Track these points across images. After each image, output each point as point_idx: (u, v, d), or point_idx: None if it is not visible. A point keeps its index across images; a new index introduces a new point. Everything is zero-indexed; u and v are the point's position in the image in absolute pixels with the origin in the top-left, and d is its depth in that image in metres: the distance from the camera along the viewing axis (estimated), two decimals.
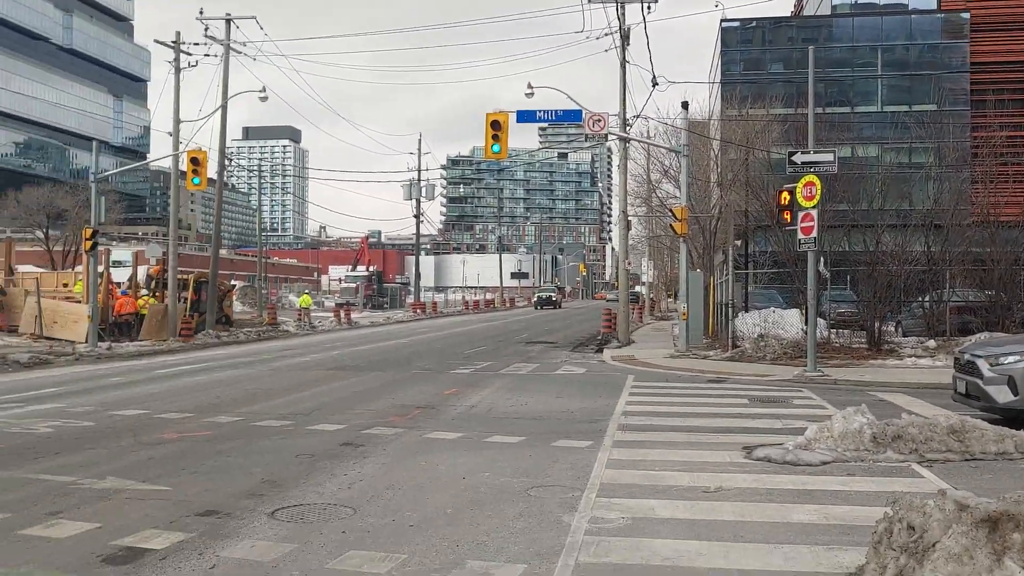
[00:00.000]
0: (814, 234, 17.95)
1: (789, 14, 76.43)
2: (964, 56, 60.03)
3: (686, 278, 25.40)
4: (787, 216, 18.99)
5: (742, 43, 64.43)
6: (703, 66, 79.14)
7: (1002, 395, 11.23)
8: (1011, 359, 11.27)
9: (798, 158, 18.48)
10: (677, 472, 8.95)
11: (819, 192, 17.90)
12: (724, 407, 13.95)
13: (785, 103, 42.44)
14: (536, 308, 72.63)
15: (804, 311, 23.26)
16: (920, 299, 23.65)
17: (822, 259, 20.94)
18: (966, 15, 60.30)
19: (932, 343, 21.43)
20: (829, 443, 9.94)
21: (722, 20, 62.46)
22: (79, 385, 17.38)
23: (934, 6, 61.84)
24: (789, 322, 25.19)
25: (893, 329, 24.72)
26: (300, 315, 43.98)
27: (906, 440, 9.87)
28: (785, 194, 19.10)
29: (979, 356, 11.70)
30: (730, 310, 23.96)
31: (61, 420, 12.36)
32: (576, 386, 17.14)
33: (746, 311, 26.20)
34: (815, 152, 18.48)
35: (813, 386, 16.87)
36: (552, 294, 79.30)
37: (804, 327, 22.92)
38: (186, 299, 32.22)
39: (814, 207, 17.94)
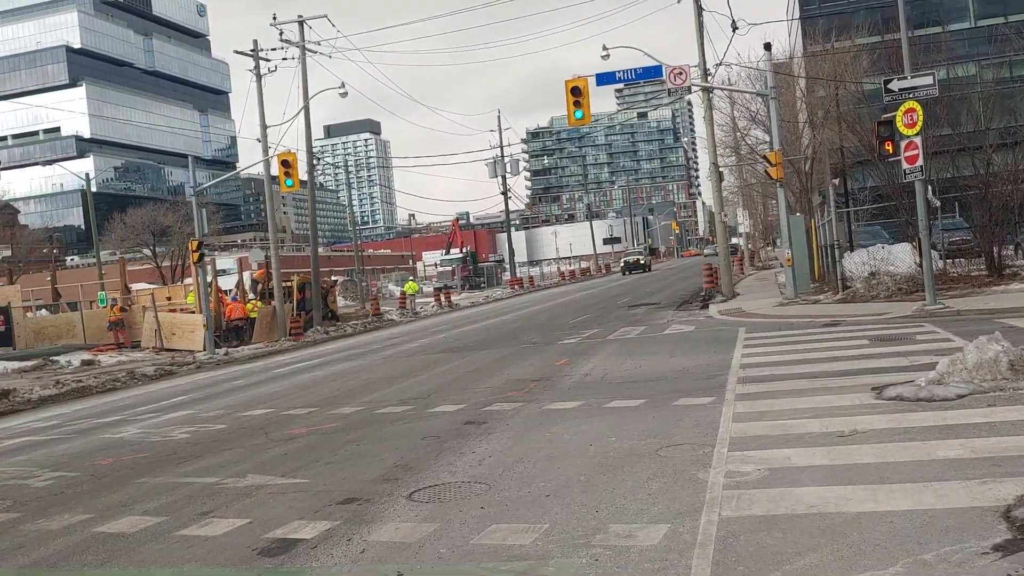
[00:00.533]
0: (920, 162, 17.24)
1: None
2: None
3: (787, 223, 24.77)
4: (889, 147, 18.27)
5: None
6: (780, 3, 76.74)
7: None
8: None
9: (895, 85, 17.72)
10: (807, 420, 8.75)
11: (920, 118, 17.16)
12: (844, 350, 13.57)
13: (871, 31, 40.78)
14: (624, 274, 66.76)
15: (916, 244, 22.46)
16: None
17: (929, 188, 20.09)
18: None
19: None
20: (963, 375, 9.57)
21: None
22: (205, 391, 18.06)
23: None
24: (898, 257, 24.32)
25: (1012, 252, 23.64)
26: (402, 302, 44.71)
27: None
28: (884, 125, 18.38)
29: None
30: (836, 251, 23.23)
31: (195, 425, 12.87)
32: (688, 344, 16.94)
33: (851, 250, 25.41)
34: (913, 77, 17.69)
35: (935, 319, 16.27)
36: (640, 256, 72.47)
37: (917, 260, 22.17)
38: (291, 299, 33.10)
39: (917, 134, 17.22)
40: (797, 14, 59.01)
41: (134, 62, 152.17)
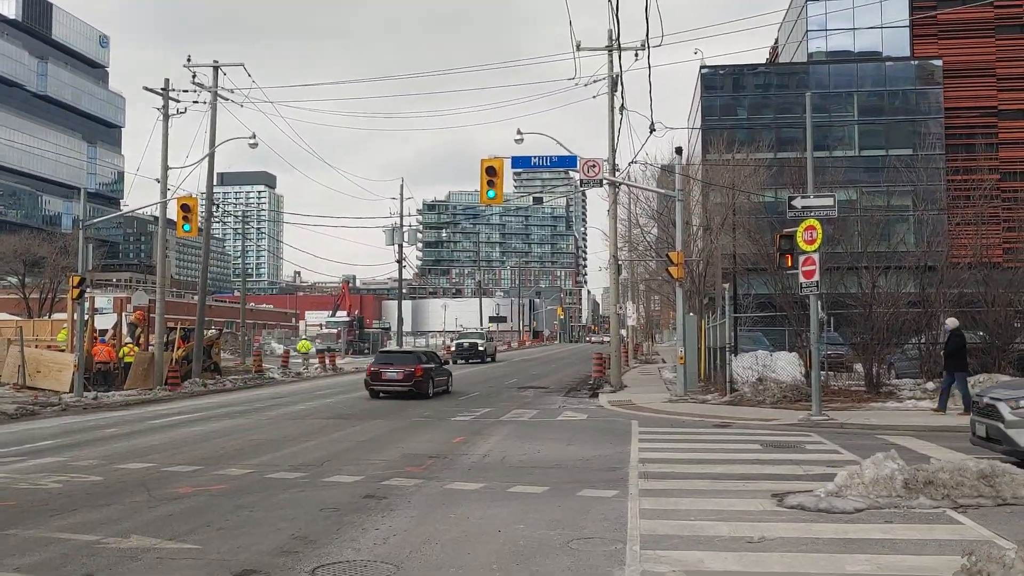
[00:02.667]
0: (816, 278, 18.03)
1: (765, 61, 77.80)
2: (939, 101, 61.31)
3: (683, 322, 25.37)
4: (788, 260, 19.06)
5: (720, 89, 65.43)
6: (684, 110, 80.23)
7: None
8: None
9: (798, 202, 18.61)
10: (714, 522, 8.81)
11: (820, 236, 18.02)
12: (739, 453, 13.84)
13: (768, 147, 43.01)
14: (454, 363, 46.75)
15: (802, 354, 23.34)
16: (914, 341, 23.76)
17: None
18: (938, 62, 61.70)
19: (931, 385, 21.48)
20: (861, 489, 9.85)
21: (701, 67, 63.49)
22: (74, 437, 16.96)
23: (907, 53, 63.22)
24: (781, 366, 25.20)
25: (886, 371, 24.79)
26: (284, 361, 43.52)
27: (937, 486, 9.81)
28: (784, 238, 19.20)
29: (999, 399, 11.69)
30: (728, 353, 23.90)
31: (67, 475, 12.01)
32: (583, 432, 16.97)
33: (735, 354, 26.22)
34: (815, 197, 18.62)
35: (821, 430, 16.81)
36: (479, 341, 54.04)
37: (802, 371, 23.01)
38: (171, 346, 31.76)
39: (815, 251, 18.04)
40: (699, 123, 61.87)
41: (25, 84, 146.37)
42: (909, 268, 24.44)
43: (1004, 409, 11.48)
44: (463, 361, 50.97)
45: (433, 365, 27.19)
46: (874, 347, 21.92)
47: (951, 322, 19.50)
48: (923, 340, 23.43)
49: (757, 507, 9.56)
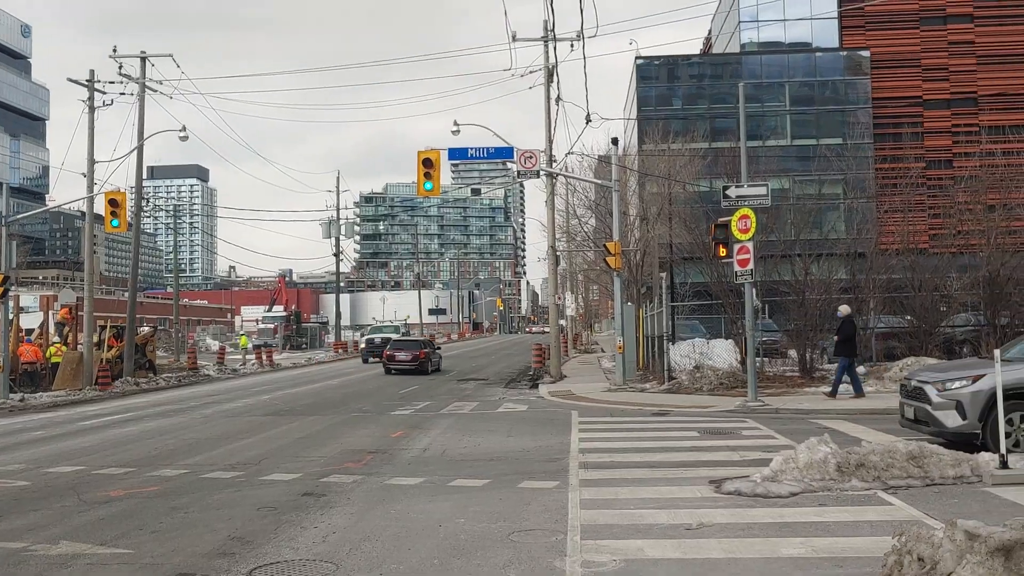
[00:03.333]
0: (751, 266, 18.30)
1: (699, 52, 78.68)
2: (867, 92, 62.72)
3: (621, 312, 25.56)
4: (722, 250, 19.31)
5: (656, 80, 66.02)
6: (619, 101, 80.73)
7: (951, 420, 11.52)
8: (957, 384, 11.59)
9: (732, 192, 18.85)
10: (653, 510, 8.88)
11: (754, 225, 18.29)
12: (677, 440, 14.00)
13: (703, 137, 43.56)
14: (364, 361, 43.96)
15: (738, 342, 23.71)
16: None
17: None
18: (866, 53, 63.05)
19: (862, 369, 21.95)
20: (795, 474, 10.03)
21: (636, 58, 63.92)
22: None
23: (836, 44, 64.51)
24: (717, 353, 25.60)
25: (819, 356, 25.31)
26: (220, 357, 42.81)
27: (868, 468, 10.03)
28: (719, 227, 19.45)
29: (926, 382, 12.01)
30: (666, 342, 24.16)
31: None
32: (523, 424, 16.99)
33: (672, 343, 26.54)
34: (749, 186, 18.88)
35: (756, 416, 17.09)
36: (394, 336, 43.75)
37: (738, 358, 23.38)
38: (102, 345, 30.97)
39: (750, 240, 18.31)
40: (634, 113, 62.32)
41: None
42: (840, 255, 24.98)
43: (931, 392, 11.79)
44: (376, 360, 41.10)
45: (429, 350, 35.65)
46: (807, 333, 22.37)
47: (843, 309, 20.18)
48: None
49: (695, 494, 9.67)
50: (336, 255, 59.51)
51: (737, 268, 18.58)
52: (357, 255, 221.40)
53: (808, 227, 27.31)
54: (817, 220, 32.05)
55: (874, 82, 62.69)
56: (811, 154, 49.76)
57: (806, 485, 9.74)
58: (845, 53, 64.17)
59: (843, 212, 36.45)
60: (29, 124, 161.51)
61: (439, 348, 40.33)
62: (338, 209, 58.91)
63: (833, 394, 19.01)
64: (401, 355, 33.95)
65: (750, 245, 18.29)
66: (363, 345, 47.02)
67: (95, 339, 30.60)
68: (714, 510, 8.86)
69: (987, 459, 10.09)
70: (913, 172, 29.55)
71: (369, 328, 57.84)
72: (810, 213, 27.08)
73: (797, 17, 65.11)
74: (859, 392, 19.04)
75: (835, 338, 19.99)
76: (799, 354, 23.06)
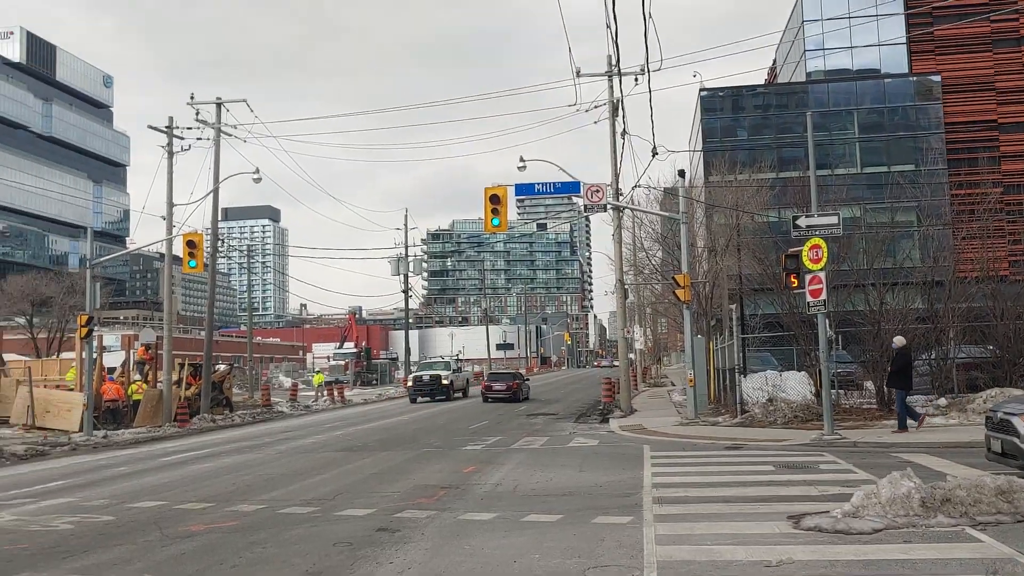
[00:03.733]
0: (823, 296, 17.98)
1: (764, 82, 78.14)
2: (939, 117, 61.47)
3: (691, 344, 25.30)
4: (794, 280, 19.02)
5: (720, 111, 65.73)
6: (684, 133, 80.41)
7: None
8: None
9: (802, 221, 18.59)
10: (731, 546, 8.73)
11: (826, 255, 17.99)
12: (752, 475, 13.75)
13: (770, 167, 43.15)
14: (411, 400, 41.58)
15: (812, 373, 23.24)
16: (924, 357, 23.64)
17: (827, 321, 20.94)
18: (937, 77, 61.92)
19: (943, 401, 21.37)
20: (877, 509, 9.76)
21: (701, 90, 63.81)
22: (85, 477, 16.92)
23: (905, 70, 63.47)
24: (790, 385, 25.09)
25: None
26: (293, 394, 43.49)
27: (955, 503, 9.71)
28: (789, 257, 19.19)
29: (1013, 414, 11.59)
30: (738, 374, 23.81)
31: (79, 515, 11.96)
32: (595, 459, 16.88)
33: (744, 375, 26.14)
34: (819, 215, 18.61)
35: (834, 449, 16.70)
36: (443, 373, 42.76)
37: (812, 390, 22.90)
38: (180, 383, 31.76)
39: (821, 269, 18.01)
40: (699, 145, 62.06)
41: (29, 125, 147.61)
42: (916, 284, 24.37)
43: (1019, 424, 11.38)
44: (426, 399, 41.01)
45: (520, 381, 40.63)
46: (884, 364, 21.79)
47: (898, 340, 19.74)
48: (933, 356, 23.32)
49: (773, 530, 9.48)
50: (405, 292, 60.21)
51: (809, 299, 18.26)
52: (425, 291, 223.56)
53: (881, 256, 26.72)
54: (890, 248, 31.36)
55: (946, 107, 61.46)
56: (882, 181, 48.95)
57: (889, 521, 9.46)
58: (915, 78, 63.11)
59: (918, 240, 35.58)
60: (111, 170, 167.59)
61: (528, 379, 45.79)
62: (406, 246, 59.68)
63: (901, 428, 18.53)
64: (497, 385, 39.39)
65: (822, 275, 17.99)
66: (410, 383, 42.90)
67: (174, 377, 31.40)
68: (794, 547, 8.66)
69: None
70: (991, 197, 28.78)
71: (417, 365, 53.28)
72: (883, 241, 26.51)
73: (864, 44, 64.33)
74: (902, 427, 18.60)
75: (889, 369, 19.57)
76: (876, 386, 22.49)
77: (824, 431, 18.05)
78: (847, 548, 8.54)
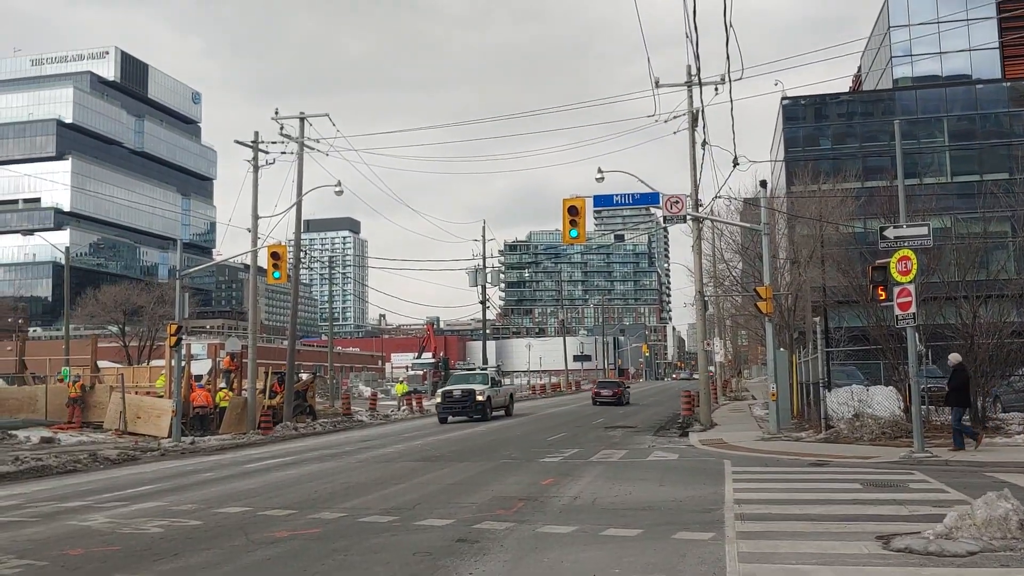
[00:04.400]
0: (912, 309, 17.45)
1: (848, 89, 76.44)
2: None
3: (773, 358, 24.82)
4: (882, 292, 18.51)
5: (803, 120, 64.53)
6: (765, 142, 79.16)
7: None
8: None
9: (890, 232, 18.09)
10: (816, 565, 8.50)
11: (915, 267, 17.47)
12: (837, 492, 13.38)
13: (855, 177, 42.15)
14: (441, 421, 35.16)
15: (900, 388, 22.55)
16: (1021, 372, 22.73)
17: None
18: None
19: None
20: (972, 531, 9.39)
21: (782, 98, 62.72)
22: (173, 482, 17.41)
23: (998, 75, 61.38)
24: (877, 400, 24.35)
25: (991, 405, 23.77)
26: (372, 403, 44.07)
27: None
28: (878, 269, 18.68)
29: None
30: (822, 389, 23.25)
31: (168, 519, 12.30)
32: (675, 473, 16.66)
33: (828, 390, 25.49)
34: (908, 226, 18.09)
35: (924, 468, 16.16)
36: (477, 387, 35.93)
37: (901, 406, 22.21)
38: (265, 391, 32.51)
39: (910, 282, 17.48)
40: (781, 154, 60.98)
41: (123, 141, 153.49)
42: (1012, 296, 23.47)
43: None
44: (460, 418, 34.98)
45: (623, 388, 50.18)
46: (978, 380, 21.03)
47: (953, 357, 19.25)
48: None
49: (861, 550, 9.19)
50: (482, 302, 60.56)
51: (898, 311, 17.74)
52: (502, 302, 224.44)
53: (974, 268, 25.80)
54: (983, 260, 30.26)
55: None
56: (974, 191, 47.23)
57: (985, 544, 9.09)
58: (1008, 84, 60.93)
59: (1013, 251, 34.30)
60: (198, 184, 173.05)
61: (630, 387, 55.45)
62: (484, 257, 60.03)
63: (957, 447, 18.05)
64: (605, 391, 48.83)
65: (911, 287, 17.45)
66: (438, 399, 36.09)
67: (259, 385, 32.14)
68: (883, 567, 8.39)
69: None
70: None
71: (452, 377, 43.82)
72: (976, 253, 25.57)
73: (954, 49, 62.43)
74: (958, 446, 18.06)
75: (946, 388, 19.01)
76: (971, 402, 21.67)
77: (914, 448, 17.49)
78: (940, 571, 8.24)
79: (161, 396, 31.84)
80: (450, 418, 35.09)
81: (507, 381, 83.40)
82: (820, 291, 31.11)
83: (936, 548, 9.04)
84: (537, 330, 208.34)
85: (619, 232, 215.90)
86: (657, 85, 28.21)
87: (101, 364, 42.68)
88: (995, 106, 61.17)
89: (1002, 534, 9.25)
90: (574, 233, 24.06)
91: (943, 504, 11.52)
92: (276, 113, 33.97)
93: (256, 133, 32.61)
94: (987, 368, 21.11)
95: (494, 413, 36.54)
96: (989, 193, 34.99)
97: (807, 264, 32.09)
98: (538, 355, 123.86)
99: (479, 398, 34.95)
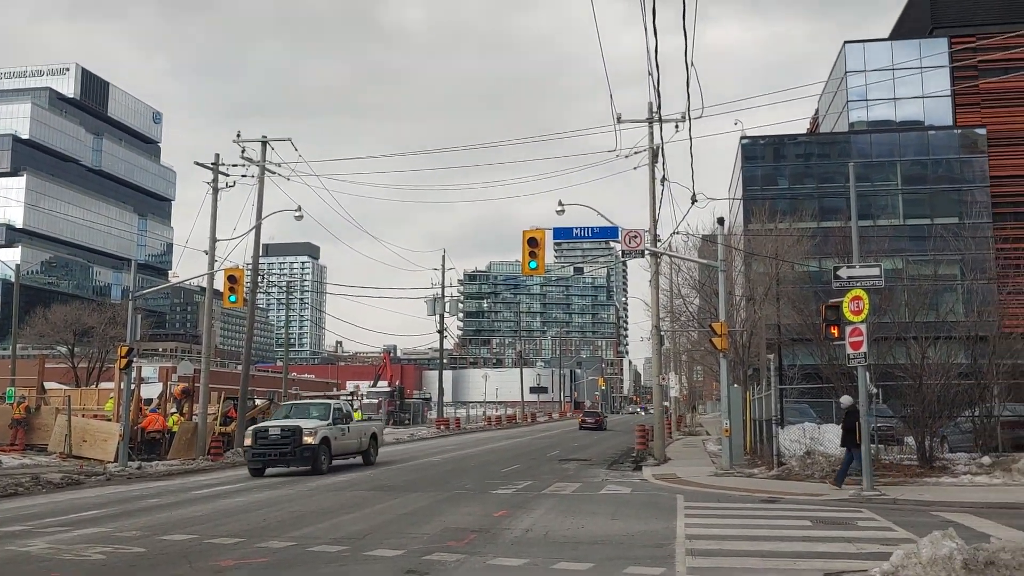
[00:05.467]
0: (864, 349, 17.72)
1: (806, 131, 77.96)
2: (983, 170, 60.85)
3: (728, 394, 25.02)
4: (835, 331, 18.79)
5: (761, 159, 65.62)
6: (724, 180, 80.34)
7: None
8: None
9: (843, 272, 18.40)
10: None
11: (867, 306, 17.77)
12: (788, 529, 13.48)
13: (811, 217, 42.89)
14: (252, 474, 24.01)
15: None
16: (967, 414, 23.13)
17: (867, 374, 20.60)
18: (982, 130, 61.38)
19: (986, 460, 20.85)
20: (918, 570, 9.48)
21: (742, 138, 63.75)
22: (118, 508, 17.02)
23: (950, 122, 63.03)
24: (829, 439, 24.63)
25: (938, 444, 24.14)
26: None
27: (999, 567, 9.40)
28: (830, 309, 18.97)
29: None
30: (775, 426, 23.46)
31: (111, 545, 12.01)
32: (628, 507, 16.66)
33: (781, 427, 25.74)
34: (861, 266, 18.42)
35: (873, 506, 16.34)
36: (305, 425, 24.59)
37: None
38: (225, 416, 32.02)
39: (862, 321, 17.77)
40: (739, 193, 61.89)
41: (80, 159, 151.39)
42: (959, 338, 23.95)
43: None
44: (281, 467, 25.23)
45: (604, 416, 69.04)
46: (925, 420, 21.37)
47: (845, 400, 19.67)
48: (976, 413, 22.81)
49: None
50: (440, 332, 60.37)
51: (850, 350, 18.00)
52: (460, 332, 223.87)
53: (924, 309, 26.30)
54: (933, 302, 30.88)
55: (992, 159, 60.81)
56: (925, 234, 48.36)
57: None
58: (960, 131, 62.58)
59: (961, 294, 35.01)
60: (156, 204, 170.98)
61: (608, 416, 75.04)
62: (443, 287, 59.97)
63: (838, 483, 18.76)
64: (589, 419, 63.17)
65: (863, 327, 17.74)
66: (248, 440, 25.25)
67: (211, 410, 31.62)
68: None
69: None
70: None
71: (280, 408, 30.56)
72: (926, 295, 26.10)
73: (908, 96, 64.04)
74: (839, 483, 18.69)
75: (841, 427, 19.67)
76: (917, 442, 22.03)
77: (863, 487, 17.68)
78: None
79: (109, 419, 31.19)
80: (267, 470, 24.80)
81: (463, 412, 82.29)
82: (775, 328, 31.49)
83: None
84: (495, 360, 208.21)
85: (578, 265, 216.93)
86: (619, 120, 28.53)
87: (48, 385, 41.72)
88: (946, 152, 62.76)
89: (947, 573, 9.35)
90: (533, 264, 24.14)
91: (890, 542, 11.64)
92: (238, 136, 33.78)
93: (217, 155, 32.39)
94: (935, 408, 21.44)
95: (339, 461, 26.84)
96: (939, 236, 35.85)
97: (763, 301, 32.48)
98: (495, 386, 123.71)
99: (307, 440, 24.32)
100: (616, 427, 65.35)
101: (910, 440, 23.09)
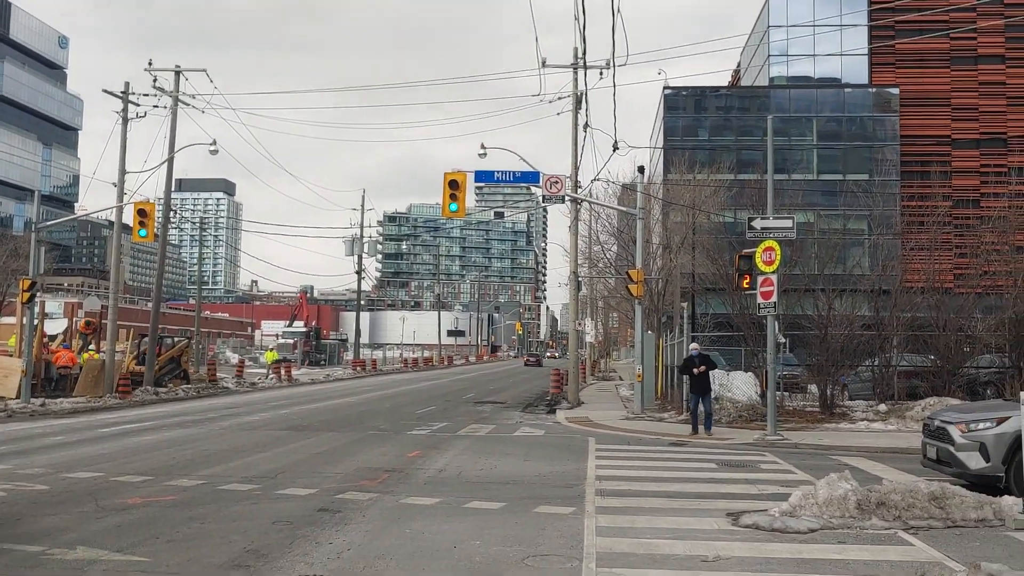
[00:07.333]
0: (774, 299, 18.20)
1: (727, 84, 78.79)
2: (895, 129, 62.58)
3: (641, 340, 25.48)
4: (747, 281, 19.24)
5: (683, 110, 66.20)
6: (646, 129, 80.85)
7: (974, 461, 11.38)
8: (983, 425, 11.45)
9: (757, 223, 18.80)
10: (669, 540, 8.81)
11: (779, 257, 18.22)
12: (694, 471, 13.90)
13: (729, 169, 43.57)
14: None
15: (758, 374, 23.55)
16: (868, 363, 24.08)
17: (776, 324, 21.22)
18: (895, 90, 62.97)
19: (883, 407, 21.79)
20: (814, 510, 9.92)
21: (664, 88, 64.12)
22: (20, 444, 16.56)
23: (865, 81, 64.46)
24: (737, 385, 25.40)
25: (839, 392, 25.11)
26: (239, 371, 43.01)
27: (889, 507, 9.91)
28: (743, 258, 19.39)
29: (950, 422, 11.87)
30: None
31: (12, 483, 11.70)
32: (540, 448, 16.94)
33: None
34: (775, 218, 18.83)
35: (775, 450, 16.95)
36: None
37: (758, 391, 23.21)
38: (131, 353, 31.27)
39: (774, 272, 18.22)
40: (660, 142, 62.41)
41: None
42: (864, 291, 24.80)
43: (954, 432, 11.66)
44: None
45: (541, 357, 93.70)
46: (829, 368, 22.18)
47: (693, 347, 20.53)
48: (876, 362, 23.76)
49: (712, 526, 9.59)
50: (358, 273, 59.78)
51: (760, 300, 18.49)
52: (379, 274, 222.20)
53: (832, 262, 27.16)
54: (841, 255, 31.86)
55: (902, 119, 62.56)
56: (837, 189, 49.67)
57: (825, 522, 9.63)
58: (874, 90, 64.11)
59: (868, 248, 36.21)
60: (62, 133, 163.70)
61: (544, 356, 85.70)
62: (362, 227, 59.24)
63: (694, 431, 19.37)
64: (531, 359, 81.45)
65: (774, 278, 18.21)
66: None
67: (120, 347, 30.84)
68: (732, 543, 8.77)
69: (1010, 503, 9.93)
70: (940, 211, 29.36)
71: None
72: (835, 248, 26.94)
73: (827, 53, 65.16)
74: (695, 430, 19.39)
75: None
76: (820, 389, 22.88)
77: (767, 431, 18.32)
78: (783, 547, 8.67)
79: (11, 355, 30.16)
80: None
81: (379, 354, 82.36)
82: (689, 277, 32.09)
83: (780, 525, 9.51)
84: (413, 303, 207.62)
85: (499, 209, 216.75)
86: (544, 65, 28.41)
87: None
88: (861, 110, 64.29)
89: (841, 513, 9.81)
90: (453, 207, 24.01)
91: (790, 484, 12.11)
92: (150, 64, 32.56)
93: (127, 84, 31.11)
94: (838, 358, 22.25)
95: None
96: (850, 192, 36.88)
97: (679, 250, 33.02)
98: (412, 328, 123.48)
99: None
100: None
101: (814, 388, 23.97)
